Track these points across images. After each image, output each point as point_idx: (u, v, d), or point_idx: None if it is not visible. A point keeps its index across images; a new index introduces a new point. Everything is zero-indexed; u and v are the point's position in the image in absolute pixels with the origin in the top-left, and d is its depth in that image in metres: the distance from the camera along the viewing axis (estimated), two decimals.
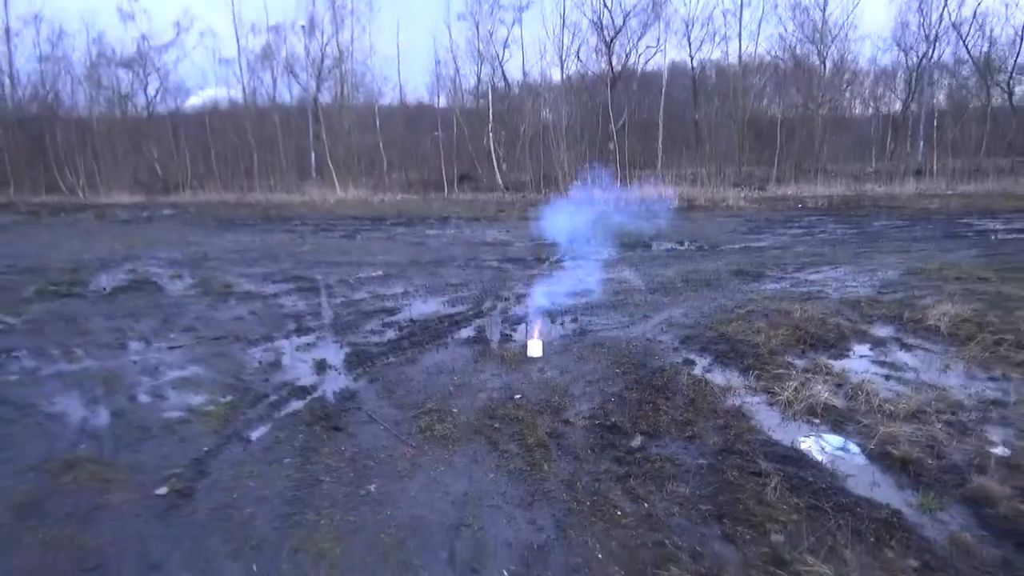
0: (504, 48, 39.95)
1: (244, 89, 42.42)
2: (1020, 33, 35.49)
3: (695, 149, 38.36)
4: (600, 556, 3.59)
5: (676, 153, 38.31)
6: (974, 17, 36.41)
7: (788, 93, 39.50)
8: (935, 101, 39.63)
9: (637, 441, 4.99)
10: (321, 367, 6.78)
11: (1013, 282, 9.55)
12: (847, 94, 42.98)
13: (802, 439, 4.95)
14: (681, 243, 14.81)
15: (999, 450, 4.65)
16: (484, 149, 38.27)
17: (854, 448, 4.79)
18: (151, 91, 43.33)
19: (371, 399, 5.94)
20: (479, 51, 39.66)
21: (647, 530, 3.81)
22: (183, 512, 4.07)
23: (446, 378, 6.44)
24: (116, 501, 4.20)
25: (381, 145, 40.34)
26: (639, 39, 39.12)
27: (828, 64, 38.42)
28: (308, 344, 7.57)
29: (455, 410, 5.64)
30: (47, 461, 4.74)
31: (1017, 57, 36.44)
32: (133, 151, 41.29)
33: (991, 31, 37.31)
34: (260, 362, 6.96)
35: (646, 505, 4.09)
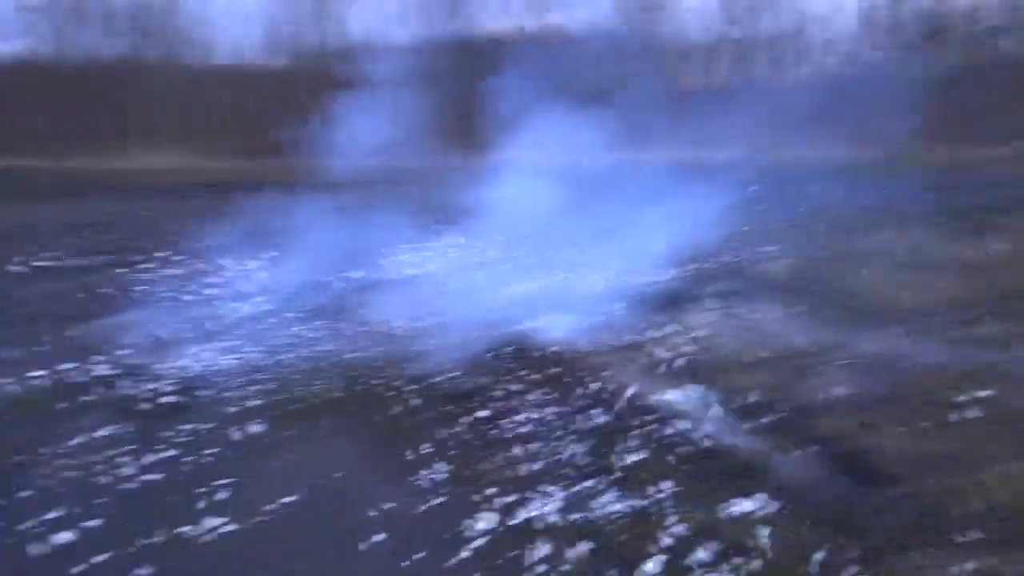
0: (344, 7, 38.39)
1: (55, 43, 38.07)
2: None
3: None
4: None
5: None
6: None
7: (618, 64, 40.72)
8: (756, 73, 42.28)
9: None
10: None
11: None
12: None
13: (665, 390, 5.08)
14: None
15: (840, 390, 4.99)
16: (322, 113, 36.70)
17: (712, 397, 4.98)
18: None
19: None
20: (317, 9, 37.85)
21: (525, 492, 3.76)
22: None
23: None
24: None
25: (212, 107, 37.65)
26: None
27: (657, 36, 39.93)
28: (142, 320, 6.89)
29: None
30: None
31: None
32: None
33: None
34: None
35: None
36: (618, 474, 3.92)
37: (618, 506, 3.61)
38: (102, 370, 5.54)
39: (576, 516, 3.51)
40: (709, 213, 9.41)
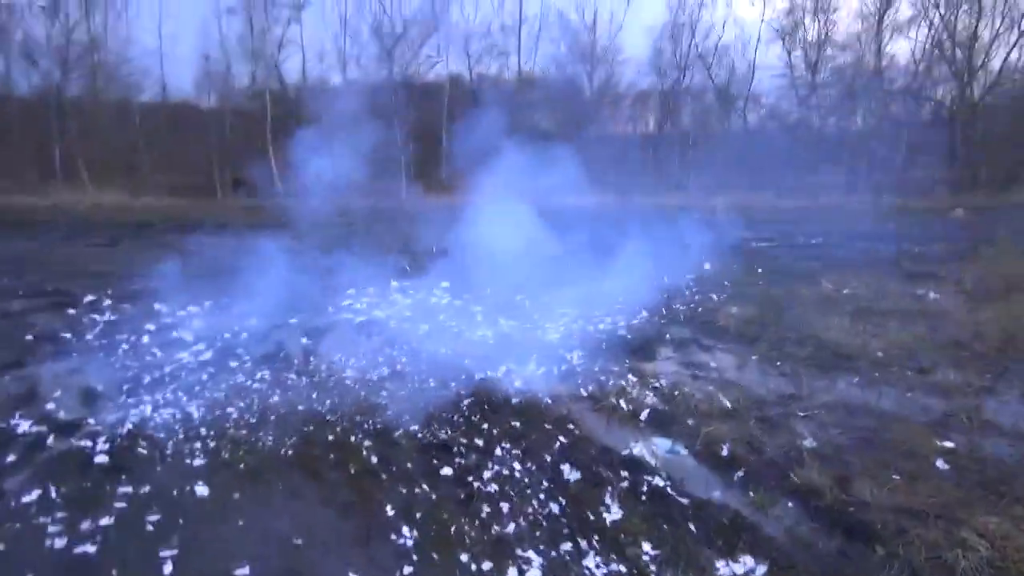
0: (280, 48, 38.03)
1: None
2: (752, 67, 39.92)
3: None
4: None
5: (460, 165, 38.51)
6: (716, 50, 40.47)
7: (559, 110, 41.41)
8: (686, 123, 43.56)
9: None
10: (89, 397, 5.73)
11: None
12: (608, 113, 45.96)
13: (632, 443, 4.94)
14: None
15: (808, 442, 4.92)
16: (260, 153, 36.04)
17: (682, 450, 4.86)
18: None
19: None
20: (252, 49, 37.40)
21: (501, 558, 3.52)
22: None
23: None
24: None
25: (141, 144, 36.52)
26: (419, 48, 39.06)
27: (595, 84, 40.84)
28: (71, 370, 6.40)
29: None
30: None
31: (750, 87, 41.00)
32: None
33: (732, 63, 41.71)
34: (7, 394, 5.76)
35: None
36: (597, 535, 3.73)
37: (602, 572, 3.42)
38: (28, 426, 5.07)
39: None
40: (662, 258, 9.47)
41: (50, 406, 5.47)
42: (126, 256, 13.67)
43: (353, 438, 4.98)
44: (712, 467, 4.60)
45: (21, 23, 35.81)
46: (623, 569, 3.44)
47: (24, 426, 5.09)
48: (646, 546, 3.63)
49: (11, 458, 4.58)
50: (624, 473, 4.40)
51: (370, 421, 5.29)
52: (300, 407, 5.57)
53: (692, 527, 3.79)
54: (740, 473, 4.48)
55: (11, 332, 7.46)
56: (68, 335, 7.36)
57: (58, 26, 35.48)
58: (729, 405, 5.61)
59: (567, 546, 3.64)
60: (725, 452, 4.74)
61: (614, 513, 3.94)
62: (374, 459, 4.65)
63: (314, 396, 5.84)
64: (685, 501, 4.06)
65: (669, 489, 4.20)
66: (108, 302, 8.67)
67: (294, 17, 39.90)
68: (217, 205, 30.31)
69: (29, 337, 7.27)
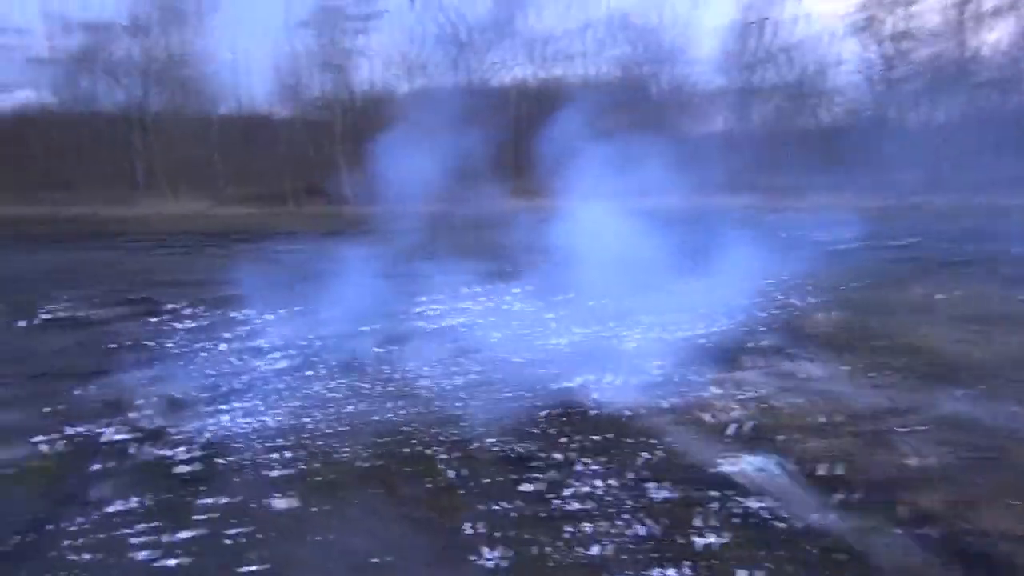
0: (350, 58, 38.75)
1: (59, 93, 38.31)
2: (828, 63, 38.60)
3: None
4: None
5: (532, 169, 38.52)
6: (789, 46, 39.33)
7: (631, 111, 40.95)
8: (757, 121, 42.46)
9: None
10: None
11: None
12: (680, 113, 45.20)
13: (720, 460, 4.67)
14: None
15: (914, 462, 4.57)
16: (331, 162, 36.75)
17: (775, 468, 4.57)
18: None
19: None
20: (323, 61, 38.21)
21: None
22: None
23: None
24: None
25: (219, 156, 37.72)
26: (487, 54, 39.20)
27: (664, 84, 40.22)
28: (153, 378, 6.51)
29: None
30: None
31: (825, 84, 39.64)
32: None
33: (803, 61, 40.47)
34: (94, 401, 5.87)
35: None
36: (696, 561, 3.50)
37: None
38: (115, 435, 5.14)
39: None
40: (743, 261, 9.10)
41: (133, 415, 5.55)
42: (205, 265, 14.04)
43: (429, 451, 4.86)
44: (809, 488, 4.29)
45: (106, 43, 37.41)
46: None
47: (109, 434, 5.16)
48: (741, 573, 3.38)
49: (97, 466, 4.64)
50: (714, 493, 4.14)
51: (446, 433, 5.17)
52: (375, 417, 5.50)
53: (800, 555, 3.51)
54: (840, 496, 4.16)
55: (97, 340, 7.66)
56: (150, 343, 7.51)
57: (139, 44, 36.93)
58: (823, 420, 5.28)
59: (656, 573, 3.42)
60: (823, 472, 4.42)
61: (713, 537, 3.69)
62: (451, 473, 4.52)
63: (389, 406, 5.77)
64: (782, 526, 3.78)
65: (764, 512, 3.92)
66: (188, 310, 8.86)
67: (364, 28, 40.56)
68: (290, 213, 30.99)
69: (113, 345, 7.44)
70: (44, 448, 4.93)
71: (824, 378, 6.42)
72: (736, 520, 3.86)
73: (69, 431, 5.20)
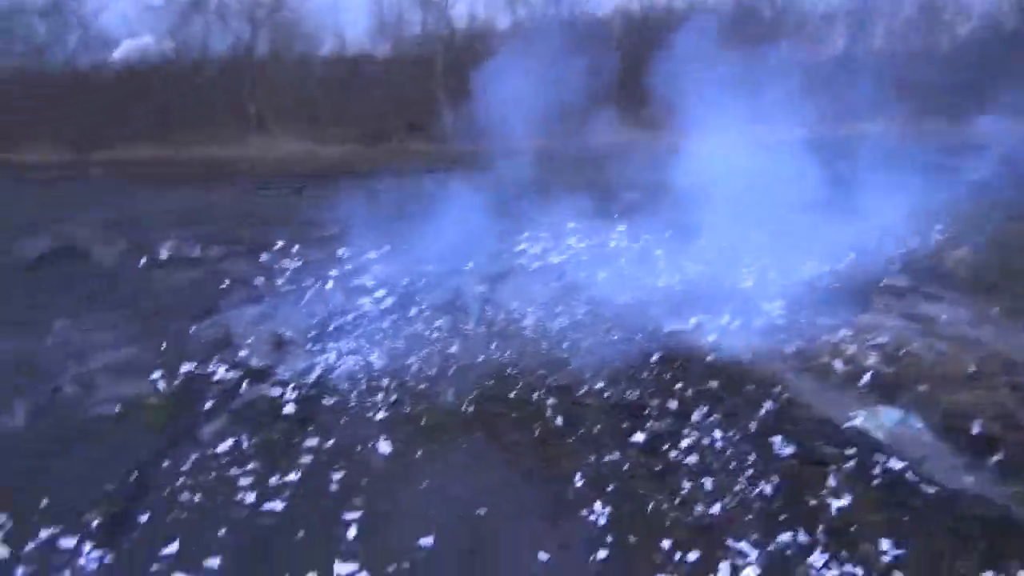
0: None
1: (175, 38, 39.65)
2: None
3: None
4: None
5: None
6: None
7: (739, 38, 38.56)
8: (879, 43, 39.16)
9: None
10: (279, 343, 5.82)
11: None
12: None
13: (853, 413, 4.25)
14: None
15: None
16: (433, 99, 36.60)
17: (916, 423, 4.11)
18: (72, 42, 40.12)
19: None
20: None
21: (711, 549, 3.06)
22: None
23: None
24: None
25: (322, 96, 38.22)
26: None
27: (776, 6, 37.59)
28: (262, 315, 6.57)
29: None
30: None
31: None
32: (56, 107, 38.39)
33: None
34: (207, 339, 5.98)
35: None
36: (821, 526, 3.17)
37: (832, 574, 2.88)
38: (226, 373, 5.21)
39: None
40: (879, 193, 8.32)
41: (243, 353, 5.61)
42: (311, 204, 14.22)
43: (535, 395, 4.67)
44: (959, 448, 3.84)
45: None
46: (859, 572, 2.87)
47: (220, 372, 5.23)
48: (884, 544, 3.03)
49: (208, 404, 4.69)
50: (849, 451, 3.75)
51: (552, 377, 4.95)
52: (479, 359, 5.34)
53: (944, 525, 3.13)
54: (997, 457, 3.69)
55: (209, 279, 7.83)
56: (259, 282, 7.61)
57: None
58: (972, 369, 4.72)
59: (786, 537, 3.11)
60: (976, 429, 3.93)
61: (840, 500, 3.35)
62: (559, 420, 4.32)
63: (492, 347, 5.59)
64: (929, 491, 3.37)
65: (908, 474, 3.51)
66: (295, 248, 8.92)
67: None
68: (393, 151, 31.18)
69: (224, 284, 7.58)
70: (161, 385, 5.03)
71: (968, 321, 5.78)
72: (874, 482, 3.49)
73: (183, 369, 5.29)
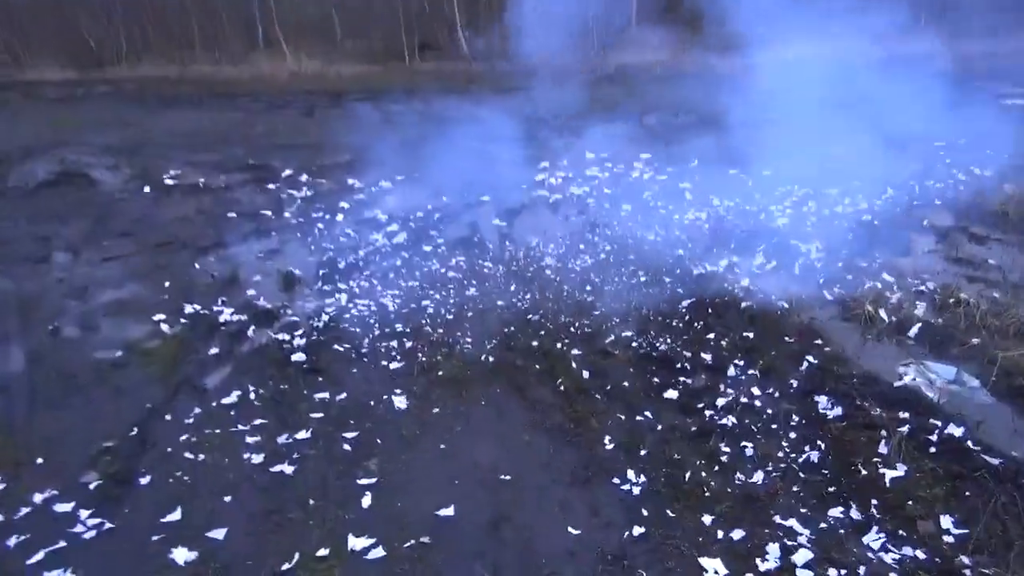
0: None
1: None
2: None
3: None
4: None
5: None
6: None
7: None
8: None
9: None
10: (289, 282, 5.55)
11: None
12: None
13: (902, 369, 3.95)
14: None
15: None
16: (445, 16, 35.26)
17: (972, 381, 3.80)
18: None
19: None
20: None
21: (757, 527, 2.82)
22: None
23: None
24: None
25: (334, 12, 36.96)
26: None
27: None
28: (270, 251, 6.28)
29: None
30: None
31: None
32: (61, 20, 37.28)
33: None
34: (213, 276, 5.71)
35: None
36: (875, 499, 2.91)
37: (892, 558, 2.63)
38: (233, 315, 4.95)
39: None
40: (923, 120, 7.81)
41: (251, 292, 5.36)
42: (322, 126, 13.71)
43: (560, 344, 4.39)
44: (1020, 410, 3.53)
45: None
46: (920, 555, 2.62)
47: (226, 314, 4.97)
48: (946, 521, 2.77)
49: (214, 350, 4.45)
50: (901, 414, 3.46)
51: (577, 323, 4.67)
52: (499, 302, 5.05)
53: (1010, 499, 2.85)
54: None
55: (215, 209, 7.51)
56: (267, 212, 7.29)
57: None
58: None
59: (837, 512, 2.86)
60: None
61: (895, 470, 3.08)
62: (585, 373, 4.04)
63: (512, 288, 5.31)
64: (995, 461, 3.09)
65: (969, 442, 3.22)
66: (305, 177, 8.56)
67: None
68: (407, 70, 30.24)
69: (232, 214, 7.27)
70: (165, 328, 4.78)
71: (1011, 267, 5.40)
72: (931, 449, 3.20)
73: (188, 309, 5.03)
